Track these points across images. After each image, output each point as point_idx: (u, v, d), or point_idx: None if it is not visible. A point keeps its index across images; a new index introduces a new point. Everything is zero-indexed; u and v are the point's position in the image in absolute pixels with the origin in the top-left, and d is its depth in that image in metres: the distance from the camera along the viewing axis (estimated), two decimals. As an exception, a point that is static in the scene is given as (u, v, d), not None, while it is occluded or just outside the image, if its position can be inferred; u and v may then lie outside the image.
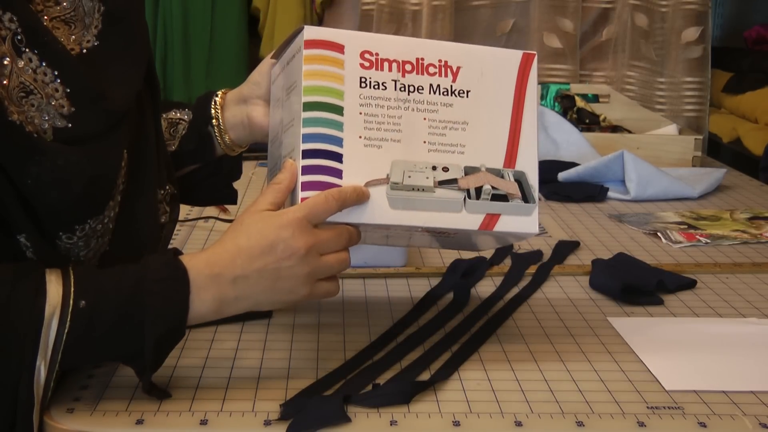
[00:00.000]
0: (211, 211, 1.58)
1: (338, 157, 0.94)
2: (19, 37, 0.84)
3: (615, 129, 2.20)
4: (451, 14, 2.58)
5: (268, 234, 0.90)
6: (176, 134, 1.13)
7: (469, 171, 0.98)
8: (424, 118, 0.97)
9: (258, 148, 1.16)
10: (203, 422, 0.86)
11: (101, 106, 0.89)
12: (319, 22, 3.03)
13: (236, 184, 1.20)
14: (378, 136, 0.95)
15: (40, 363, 0.82)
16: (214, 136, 1.12)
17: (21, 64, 0.85)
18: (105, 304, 0.84)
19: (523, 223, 0.99)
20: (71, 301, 0.83)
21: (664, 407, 0.91)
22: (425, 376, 0.96)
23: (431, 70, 0.98)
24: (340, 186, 0.93)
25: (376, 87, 0.96)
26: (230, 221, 1.52)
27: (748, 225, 1.59)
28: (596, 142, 2.02)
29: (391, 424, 0.87)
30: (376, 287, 1.24)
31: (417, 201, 0.96)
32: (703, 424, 0.88)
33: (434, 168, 0.97)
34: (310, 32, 0.95)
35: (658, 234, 1.52)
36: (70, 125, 0.86)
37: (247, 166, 1.13)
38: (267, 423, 0.86)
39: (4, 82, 0.83)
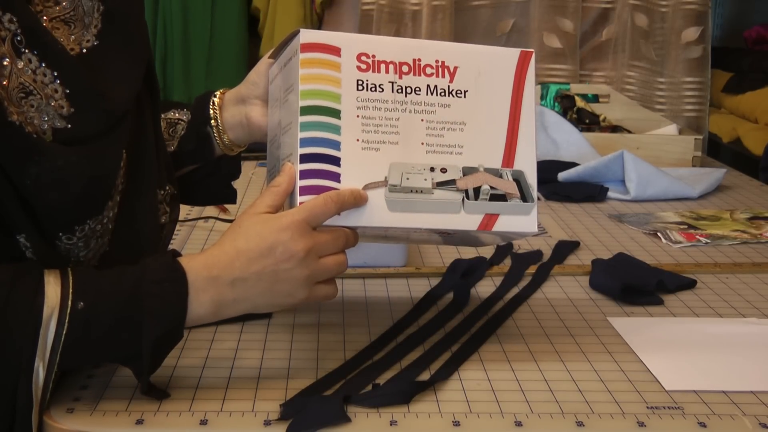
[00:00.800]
0: (210, 211, 1.58)
1: (336, 161, 0.94)
2: (18, 38, 0.84)
3: (615, 129, 2.20)
4: (451, 14, 2.58)
5: (267, 236, 0.90)
6: (175, 134, 1.13)
7: (467, 171, 0.98)
8: (422, 120, 0.97)
9: (257, 148, 1.16)
10: (203, 422, 0.86)
11: (101, 107, 0.89)
12: (319, 22, 3.03)
13: (236, 184, 1.20)
14: (376, 139, 0.95)
15: (39, 364, 0.82)
16: (212, 137, 1.12)
17: (20, 65, 0.84)
18: (103, 305, 0.84)
19: (522, 222, 0.99)
20: (69, 302, 0.83)
21: (664, 407, 0.91)
22: (425, 376, 0.96)
23: (428, 70, 0.98)
24: (337, 189, 0.93)
25: (373, 89, 0.96)
26: (230, 221, 1.52)
27: (748, 225, 1.59)
28: (596, 142, 2.02)
29: (391, 424, 0.87)
30: (376, 287, 1.24)
31: (415, 203, 0.96)
32: (703, 424, 0.88)
33: (432, 169, 0.97)
34: (307, 35, 0.95)
35: (658, 234, 1.52)
36: (69, 126, 0.86)
37: (247, 166, 1.13)
38: (267, 423, 0.86)
39: (4, 82, 0.83)
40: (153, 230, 1.00)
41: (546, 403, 0.91)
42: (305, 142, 0.94)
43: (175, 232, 1.39)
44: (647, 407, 0.91)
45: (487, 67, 1.00)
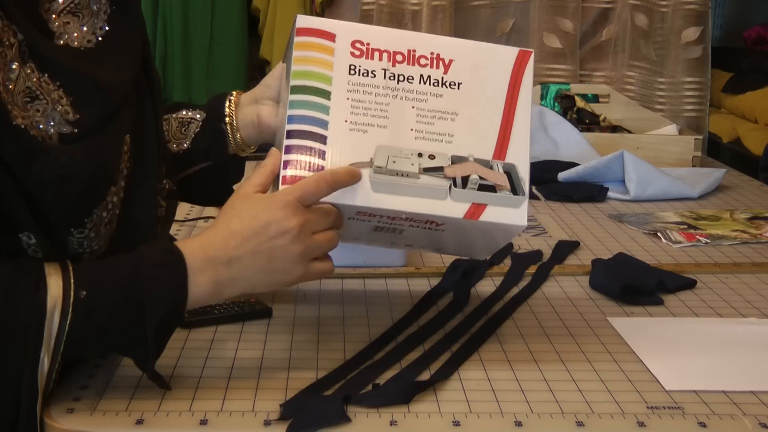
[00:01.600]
0: (211, 211, 1.58)
1: (323, 139, 0.95)
2: (23, 49, 0.86)
3: (615, 129, 2.20)
4: (450, 14, 2.58)
5: (260, 215, 0.91)
6: (188, 132, 1.14)
7: (456, 160, 0.97)
8: (413, 107, 0.97)
9: (263, 151, 1.17)
10: (203, 422, 0.86)
11: (106, 102, 0.90)
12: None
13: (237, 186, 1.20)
14: (364, 121, 0.96)
15: (44, 355, 0.83)
16: (226, 134, 1.13)
17: (28, 70, 0.86)
18: (104, 292, 0.85)
19: (511, 215, 0.98)
20: (72, 292, 0.84)
21: (664, 407, 0.91)
22: (425, 376, 0.96)
23: (422, 61, 0.99)
24: (322, 166, 0.94)
25: (365, 75, 0.97)
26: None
27: (747, 225, 1.59)
28: (596, 142, 2.02)
29: (391, 424, 0.86)
30: (376, 287, 1.24)
31: (400, 186, 0.96)
32: (702, 424, 0.88)
33: (420, 155, 0.97)
34: (303, 21, 0.98)
35: (658, 234, 1.52)
36: (75, 131, 0.87)
37: (248, 167, 1.13)
38: (267, 423, 0.86)
39: (10, 86, 0.84)
40: (151, 217, 1.01)
41: (546, 403, 0.91)
42: (293, 119, 0.95)
43: (175, 232, 1.39)
44: (647, 407, 0.91)
45: (484, 63, 1.00)
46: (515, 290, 1.24)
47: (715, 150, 3.43)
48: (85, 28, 0.91)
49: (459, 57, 0.99)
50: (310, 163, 0.94)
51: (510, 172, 0.98)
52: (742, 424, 0.88)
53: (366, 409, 0.89)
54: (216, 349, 1.03)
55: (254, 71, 3.21)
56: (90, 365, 0.96)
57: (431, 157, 0.97)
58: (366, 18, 2.58)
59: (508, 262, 1.34)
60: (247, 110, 1.13)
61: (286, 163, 0.94)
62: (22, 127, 0.83)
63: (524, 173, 0.99)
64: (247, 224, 0.90)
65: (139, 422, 0.86)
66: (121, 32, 0.94)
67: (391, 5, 2.57)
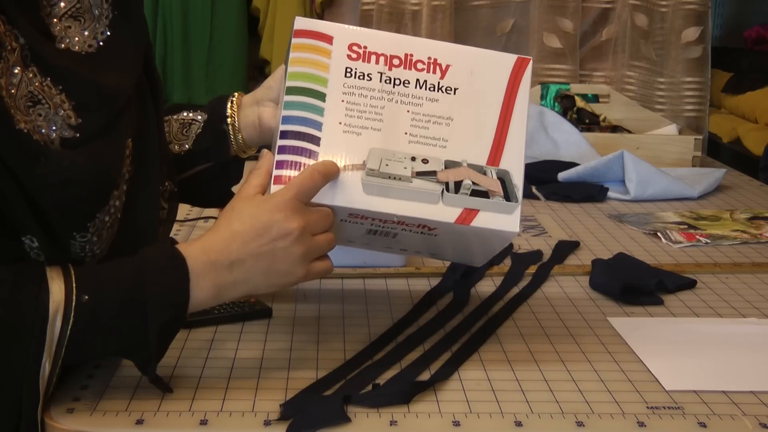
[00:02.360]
0: (210, 211, 1.58)
1: (316, 140, 0.95)
2: (25, 53, 0.85)
3: (615, 129, 2.20)
4: (450, 14, 2.58)
5: (261, 216, 0.91)
6: (190, 133, 1.14)
7: (449, 165, 0.97)
8: (408, 111, 0.97)
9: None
10: (203, 422, 0.86)
11: (108, 106, 0.90)
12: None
13: (236, 187, 1.21)
14: (358, 124, 0.96)
15: (45, 360, 0.83)
16: (228, 135, 1.13)
17: (30, 75, 0.85)
18: (107, 296, 0.85)
19: (503, 220, 0.97)
20: (74, 296, 0.84)
21: (664, 407, 0.91)
22: (425, 376, 0.96)
23: (419, 66, 0.98)
24: (318, 161, 0.94)
25: (361, 78, 0.97)
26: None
27: (747, 225, 1.59)
28: (596, 142, 2.02)
29: (391, 424, 0.87)
30: (376, 287, 1.24)
31: (392, 189, 0.95)
32: (703, 424, 0.88)
33: (413, 159, 0.97)
34: (301, 23, 0.98)
35: (658, 234, 1.52)
36: (78, 135, 0.87)
37: (248, 167, 1.13)
38: (267, 423, 0.86)
39: (12, 90, 0.84)
40: (153, 220, 1.01)
41: (546, 403, 0.91)
42: (287, 120, 0.96)
43: (176, 232, 1.39)
44: (647, 407, 0.91)
45: (481, 69, 1.00)
46: (515, 290, 1.24)
47: (715, 150, 3.43)
48: (86, 33, 0.91)
49: (456, 62, 0.99)
50: (302, 164, 0.94)
51: (503, 179, 0.98)
52: (742, 424, 0.88)
53: (366, 409, 0.89)
54: (216, 349, 1.03)
55: (254, 71, 3.22)
56: (90, 365, 0.96)
57: (424, 161, 0.97)
58: (366, 18, 2.57)
59: (508, 262, 1.34)
60: (248, 111, 1.13)
61: (279, 164, 0.94)
62: (25, 131, 0.83)
63: (518, 180, 0.99)
64: (248, 226, 0.91)
65: (139, 422, 0.86)
66: (123, 37, 0.94)
67: (391, 5, 2.57)
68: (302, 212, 0.92)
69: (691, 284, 1.27)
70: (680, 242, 1.48)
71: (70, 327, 0.83)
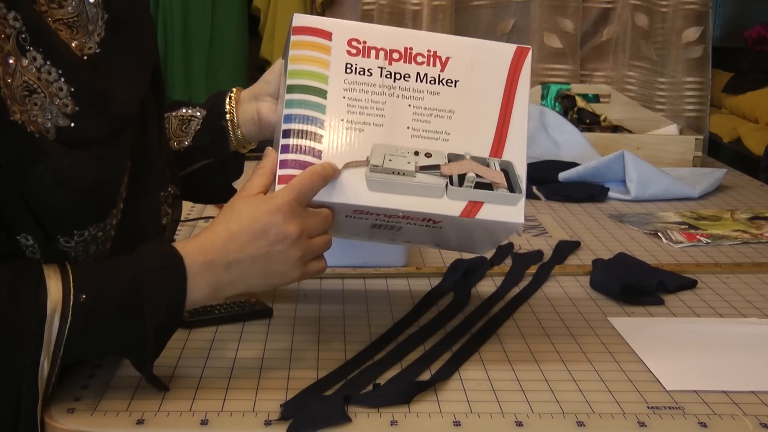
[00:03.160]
0: (211, 211, 1.58)
1: (319, 138, 0.95)
2: (23, 36, 0.85)
3: (615, 129, 2.20)
4: (451, 14, 2.58)
5: (260, 218, 0.91)
6: (189, 130, 1.14)
7: (453, 158, 0.97)
8: (409, 105, 0.97)
9: (262, 149, 1.17)
10: (204, 422, 0.86)
11: (105, 107, 0.89)
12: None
13: (237, 183, 1.20)
14: (360, 120, 0.96)
15: (44, 359, 0.83)
16: (227, 131, 1.13)
17: (25, 62, 0.85)
18: (105, 296, 0.85)
19: (508, 212, 0.98)
20: (72, 296, 0.84)
21: (664, 407, 0.91)
22: (426, 376, 0.96)
23: (419, 59, 0.98)
24: (317, 164, 0.94)
25: (362, 73, 0.97)
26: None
27: (748, 225, 1.59)
28: (597, 142, 2.02)
29: (391, 424, 0.86)
30: (376, 287, 1.24)
31: (396, 185, 0.96)
32: (703, 424, 0.88)
33: (416, 153, 0.97)
34: (299, 19, 0.98)
35: (659, 234, 1.52)
36: (73, 125, 0.86)
37: (248, 167, 1.13)
38: (267, 423, 0.86)
39: (8, 80, 0.83)
40: (154, 233, 1.01)
41: (546, 403, 0.91)
42: (289, 119, 0.95)
43: (176, 232, 1.39)
44: (648, 407, 0.91)
45: (481, 60, 1.00)
46: (516, 290, 1.24)
47: (716, 150, 3.43)
48: (74, 43, 0.90)
49: (456, 54, 0.99)
50: (306, 162, 0.94)
51: (507, 170, 0.98)
52: (743, 424, 0.88)
53: (366, 409, 0.89)
54: (216, 349, 1.02)
55: (255, 71, 3.22)
56: (90, 365, 0.96)
57: (428, 155, 0.97)
58: (366, 18, 2.58)
59: (508, 262, 1.34)
60: (247, 107, 1.13)
61: (283, 163, 0.94)
62: (20, 123, 0.83)
63: (521, 171, 0.99)
64: (246, 227, 0.91)
65: (140, 422, 0.86)
66: (112, 56, 0.92)
67: (391, 5, 2.57)
68: (301, 215, 0.92)
69: (691, 284, 1.27)
70: (681, 242, 1.48)
71: (68, 327, 0.83)
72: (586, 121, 2.18)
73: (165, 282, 0.87)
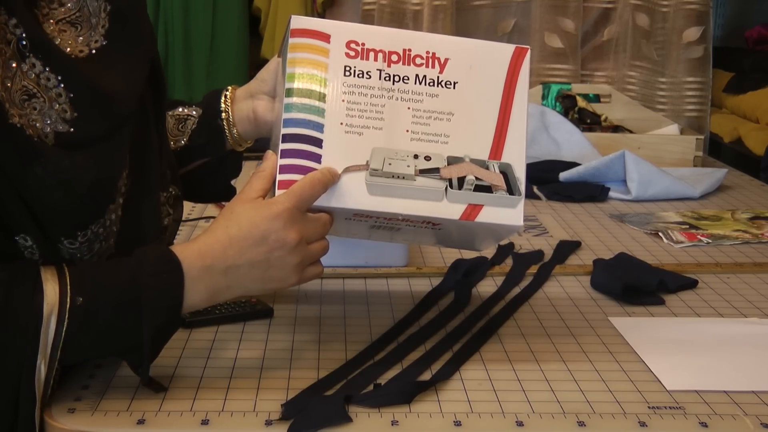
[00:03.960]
0: (211, 211, 1.58)
1: (318, 143, 0.95)
2: (23, 42, 0.85)
3: (616, 129, 2.20)
4: (452, 14, 2.58)
5: (260, 224, 0.91)
6: (185, 129, 1.14)
7: (452, 161, 0.97)
8: (408, 108, 0.97)
9: (259, 148, 1.17)
10: (204, 422, 0.86)
11: (105, 108, 0.89)
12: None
13: (236, 183, 1.20)
14: (359, 124, 0.96)
15: (41, 361, 0.83)
16: (224, 130, 1.13)
17: (25, 68, 0.85)
18: (102, 300, 0.85)
19: (508, 214, 0.98)
20: (68, 299, 0.84)
21: (665, 407, 0.91)
22: (426, 376, 0.96)
23: (418, 61, 0.98)
24: (317, 170, 0.94)
25: (360, 76, 0.97)
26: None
27: (749, 225, 1.59)
28: (597, 142, 2.02)
29: (392, 424, 0.86)
30: (377, 287, 1.24)
31: (396, 188, 0.96)
32: (704, 424, 0.88)
33: (416, 156, 0.97)
34: (297, 21, 0.97)
35: (660, 234, 1.52)
36: (72, 129, 0.86)
37: (248, 166, 1.13)
38: (268, 423, 0.86)
39: (8, 84, 0.83)
40: (156, 233, 1.01)
41: (547, 402, 0.91)
42: (288, 123, 0.95)
43: (177, 233, 1.39)
44: (648, 407, 0.91)
45: (480, 61, 0.99)
46: (516, 290, 1.24)
47: (717, 150, 3.43)
48: (80, 39, 0.90)
49: (455, 55, 0.99)
50: (306, 167, 0.94)
51: (506, 172, 0.98)
52: (744, 424, 0.88)
53: (367, 408, 0.89)
54: (217, 349, 1.03)
55: (255, 71, 3.19)
56: (91, 365, 0.96)
57: (427, 158, 0.97)
58: (367, 18, 2.57)
59: (509, 261, 1.34)
60: (242, 105, 1.13)
61: (283, 167, 0.94)
62: (18, 126, 0.83)
63: (520, 173, 0.99)
64: (246, 233, 0.91)
65: (140, 422, 0.86)
66: (119, 48, 0.92)
67: (392, 5, 2.57)
68: (300, 221, 0.92)
69: (692, 284, 1.27)
70: (681, 242, 1.48)
71: (64, 329, 0.83)
72: (587, 121, 2.18)
73: (162, 285, 0.87)
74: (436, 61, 0.98)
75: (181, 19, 3.09)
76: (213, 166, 1.16)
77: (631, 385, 0.96)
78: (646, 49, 2.58)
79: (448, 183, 0.97)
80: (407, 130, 0.97)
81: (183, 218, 1.51)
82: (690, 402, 0.92)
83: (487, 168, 0.98)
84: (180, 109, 1.15)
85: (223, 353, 1.01)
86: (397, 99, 0.97)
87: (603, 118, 2.22)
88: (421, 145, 0.97)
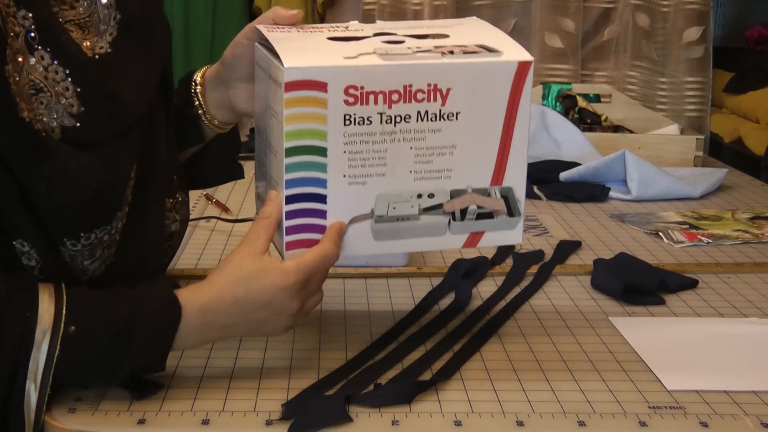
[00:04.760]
0: (212, 210, 1.58)
1: (322, 199, 0.94)
2: (32, 35, 0.85)
3: (616, 129, 2.20)
4: (452, 14, 2.58)
5: (268, 291, 0.91)
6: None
7: (455, 194, 0.98)
8: (411, 147, 0.95)
9: (251, 149, 1.15)
10: (205, 422, 0.86)
11: (112, 108, 0.89)
12: (321, 21, 3.03)
13: (238, 185, 1.20)
14: (363, 173, 0.94)
15: (30, 386, 0.83)
16: (200, 120, 1.08)
17: (32, 61, 0.85)
18: (94, 332, 0.85)
19: (507, 236, 1.01)
20: (62, 326, 0.84)
21: (665, 407, 0.91)
22: (427, 376, 0.96)
23: (419, 96, 0.94)
24: (324, 226, 0.94)
25: (361, 123, 0.93)
26: (231, 221, 1.52)
27: (749, 225, 1.59)
28: (598, 141, 2.02)
29: (392, 424, 0.86)
30: (377, 287, 1.24)
31: (401, 230, 0.97)
32: (704, 424, 0.88)
33: (420, 196, 0.96)
34: (291, 73, 0.90)
35: (660, 234, 1.52)
36: (78, 125, 0.86)
37: (248, 166, 1.12)
38: (269, 423, 0.86)
39: (16, 78, 0.83)
40: (159, 241, 1.00)
41: (547, 402, 0.91)
42: (291, 184, 0.93)
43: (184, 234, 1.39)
44: (649, 407, 0.91)
45: (482, 84, 0.96)
46: (517, 290, 1.24)
47: (717, 150, 3.44)
48: (86, 43, 0.90)
49: (457, 83, 0.95)
50: (312, 225, 0.94)
51: (507, 196, 0.99)
52: (744, 424, 0.88)
53: (367, 408, 0.89)
54: (217, 348, 1.02)
55: (255, 71, 3.21)
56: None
57: (430, 195, 0.97)
58: (367, 18, 2.57)
59: (509, 261, 1.34)
60: (216, 94, 1.07)
61: (289, 229, 0.94)
62: (27, 120, 0.83)
63: (520, 193, 1.00)
64: (252, 298, 0.91)
65: (141, 422, 0.86)
66: (125, 55, 0.92)
67: (392, 5, 2.57)
68: (304, 291, 0.93)
69: (692, 284, 1.27)
70: (682, 242, 1.48)
71: (56, 355, 0.83)
72: (587, 121, 2.18)
73: (156, 330, 0.87)
74: (438, 93, 0.95)
75: (181, 19, 3.10)
76: (209, 152, 1.12)
77: (632, 385, 0.96)
78: (647, 49, 2.58)
79: (451, 216, 0.98)
80: (411, 171, 0.96)
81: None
82: (690, 402, 0.92)
83: (489, 195, 0.99)
84: None
85: (223, 353, 1.01)
86: (399, 141, 0.94)
87: (603, 118, 2.22)
88: (424, 183, 0.96)
